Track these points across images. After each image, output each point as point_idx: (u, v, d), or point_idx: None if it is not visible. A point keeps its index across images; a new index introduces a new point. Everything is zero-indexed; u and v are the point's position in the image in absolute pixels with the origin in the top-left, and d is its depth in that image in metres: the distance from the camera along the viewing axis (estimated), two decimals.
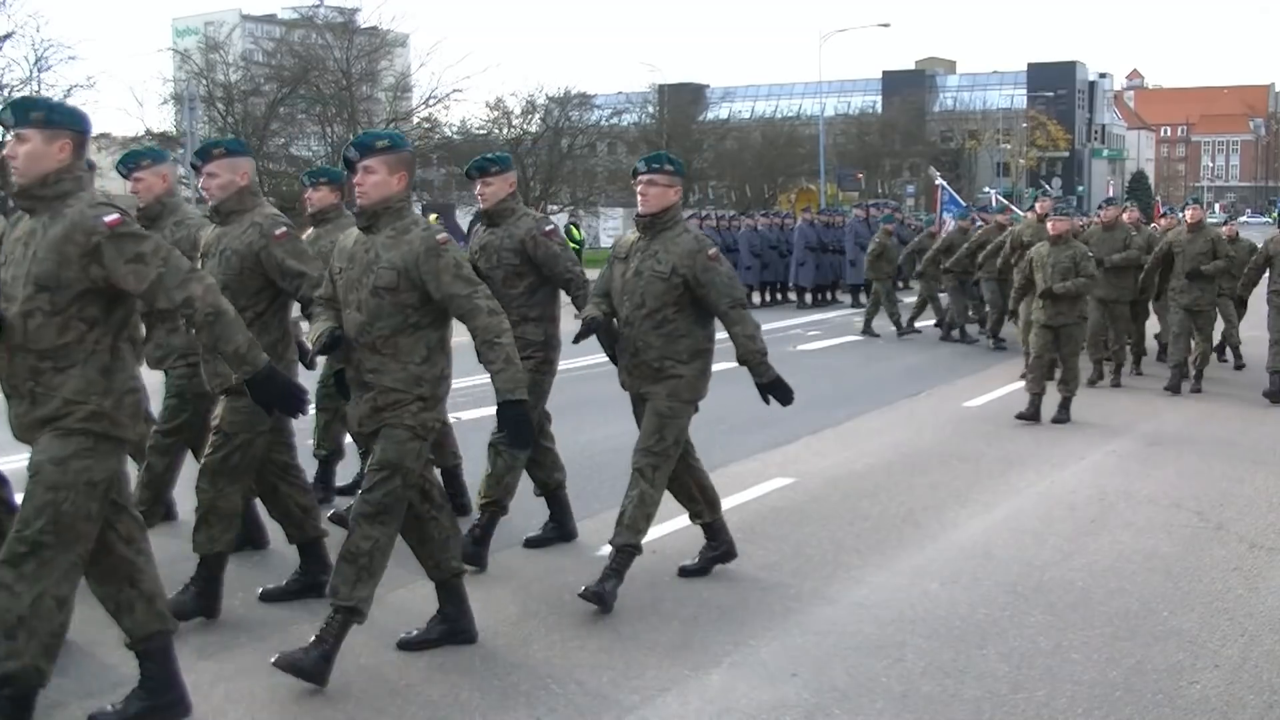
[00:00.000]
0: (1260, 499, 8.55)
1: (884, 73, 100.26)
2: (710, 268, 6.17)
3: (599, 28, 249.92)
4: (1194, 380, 13.25)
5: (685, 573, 6.67)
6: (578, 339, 6.49)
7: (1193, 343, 13.27)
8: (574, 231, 33.59)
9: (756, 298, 26.76)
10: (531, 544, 7.31)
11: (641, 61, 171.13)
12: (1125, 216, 14.65)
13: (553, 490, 7.43)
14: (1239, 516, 8.02)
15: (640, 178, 6.33)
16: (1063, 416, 11.35)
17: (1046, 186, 37.86)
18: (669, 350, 6.26)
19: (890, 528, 7.71)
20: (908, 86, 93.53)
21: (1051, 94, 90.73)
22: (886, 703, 5.01)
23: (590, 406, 11.28)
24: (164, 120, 41.22)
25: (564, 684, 5.19)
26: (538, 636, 5.75)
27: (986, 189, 44.27)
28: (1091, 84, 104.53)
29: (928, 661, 5.44)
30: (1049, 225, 12.02)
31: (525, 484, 7.28)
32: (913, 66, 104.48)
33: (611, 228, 58.32)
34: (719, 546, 6.78)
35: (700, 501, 6.72)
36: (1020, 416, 11.27)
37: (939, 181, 27.83)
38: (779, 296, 27.14)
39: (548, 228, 6.93)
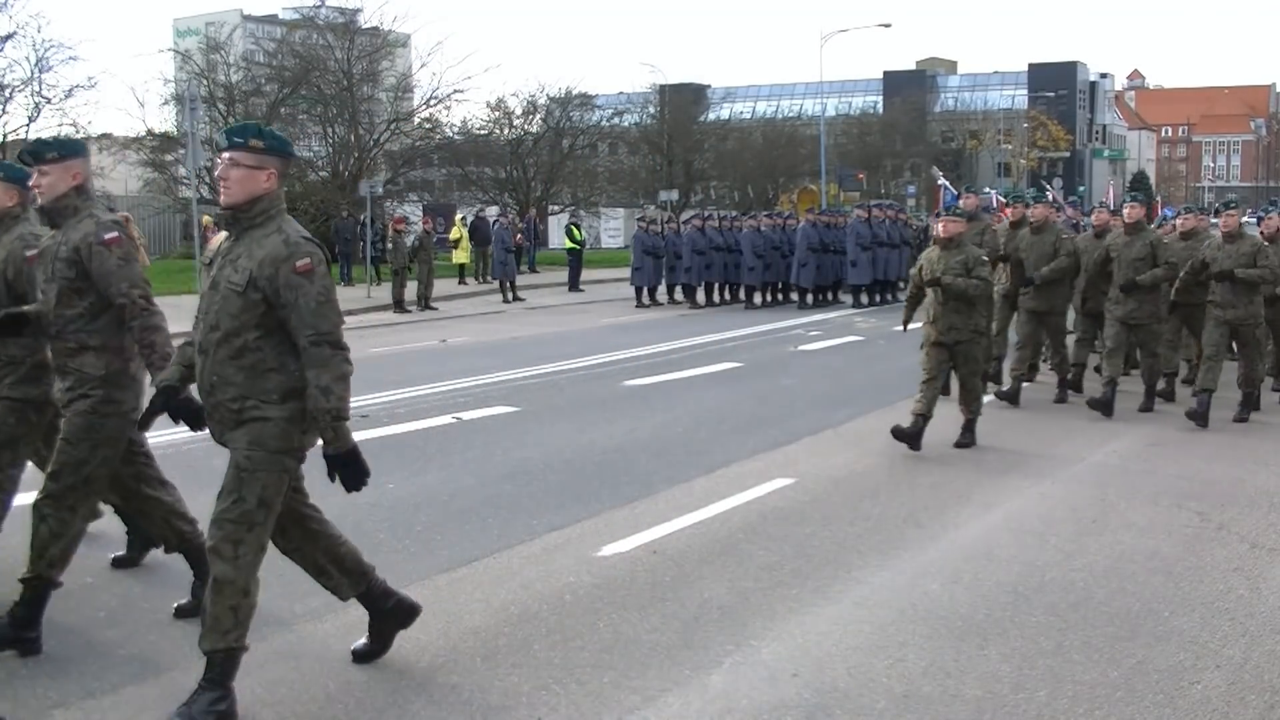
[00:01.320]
0: (1262, 499, 8.54)
1: (885, 73, 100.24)
2: (296, 283, 4.68)
3: (600, 28, 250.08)
4: (1145, 397, 11.99)
5: (357, 657, 5.45)
6: (141, 425, 5.47)
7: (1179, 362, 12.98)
8: (574, 232, 33.58)
9: (759, 298, 26.80)
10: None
11: (642, 62, 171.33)
12: (1127, 213, 12.72)
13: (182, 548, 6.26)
14: (1240, 517, 8.01)
15: (221, 157, 4.84)
16: (967, 440, 10.26)
17: (1048, 186, 37.81)
18: (251, 388, 4.79)
19: (891, 528, 7.70)
20: (909, 87, 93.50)
21: (1052, 94, 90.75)
22: (888, 703, 5.00)
23: (592, 406, 11.28)
24: (165, 121, 41.34)
25: (565, 684, 5.18)
26: (538, 637, 5.74)
27: (987, 189, 44.30)
28: (1092, 84, 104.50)
29: (929, 661, 5.44)
30: (940, 226, 10.62)
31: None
32: (914, 67, 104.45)
33: (613, 228, 58.42)
34: (382, 628, 5.49)
35: (335, 575, 5.41)
36: (898, 433, 9.93)
37: (941, 181, 27.82)
38: (780, 297, 27.18)
39: (108, 235, 5.51)
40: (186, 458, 9.93)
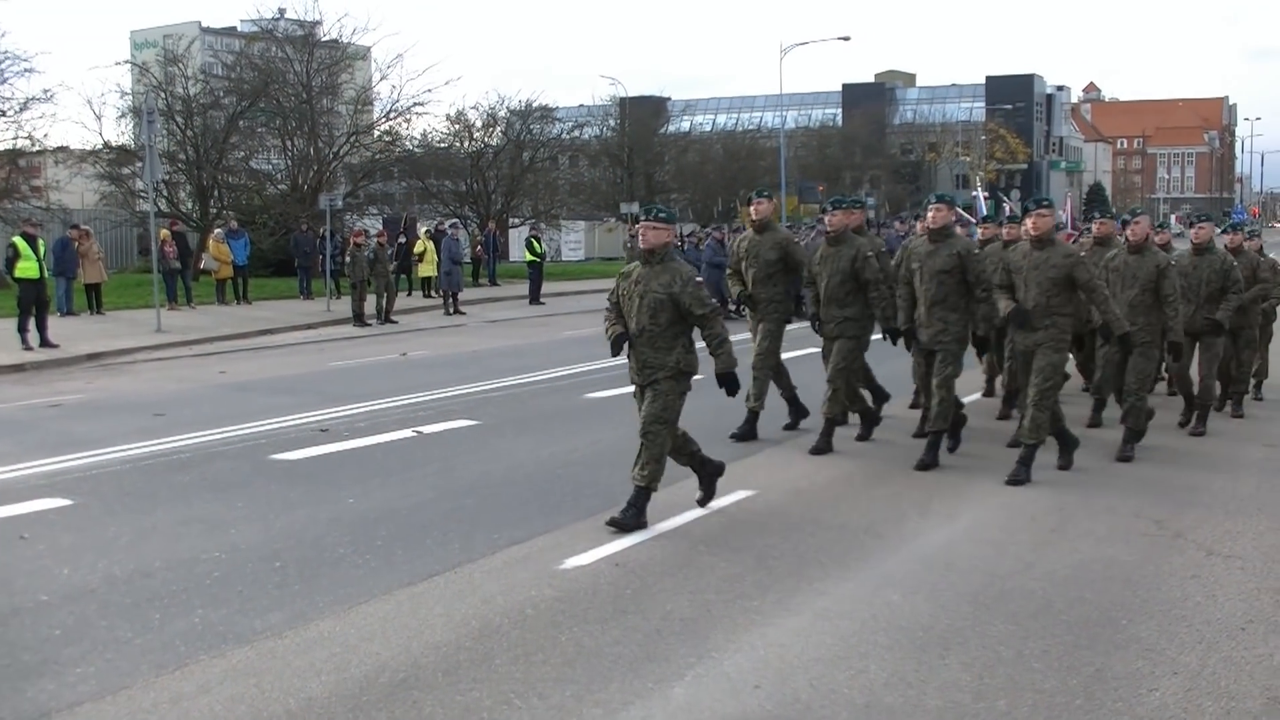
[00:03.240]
0: (1217, 507, 8.62)
1: (844, 86, 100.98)
2: None
3: (560, 42, 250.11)
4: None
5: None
6: None
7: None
8: (535, 245, 33.54)
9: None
10: None
11: (602, 75, 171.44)
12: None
13: None
14: (1196, 525, 8.09)
15: None
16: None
17: (1005, 198, 38.14)
18: None
19: (852, 539, 7.73)
20: (868, 99, 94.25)
21: (1010, 107, 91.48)
22: (850, 714, 5.01)
23: (553, 419, 11.27)
24: (122, 134, 40.98)
25: (526, 698, 5.17)
26: (500, 651, 5.72)
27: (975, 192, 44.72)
28: (1049, 97, 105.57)
29: (890, 672, 5.45)
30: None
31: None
32: (873, 79, 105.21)
33: (574, 241, 58.40)
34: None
35: None
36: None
37: (975, 193, 27.99)
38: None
39: None
40: (144, 473, 9.86)
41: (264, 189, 42.68)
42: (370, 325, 25.33)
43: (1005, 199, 36.93)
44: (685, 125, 77.77)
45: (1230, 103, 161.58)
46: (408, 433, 11.59)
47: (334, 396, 14.02)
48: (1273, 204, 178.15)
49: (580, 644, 5.81)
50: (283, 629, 6.00)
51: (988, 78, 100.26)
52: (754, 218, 11.41)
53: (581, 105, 67.64)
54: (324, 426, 11.88)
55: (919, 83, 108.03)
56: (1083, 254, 10.10)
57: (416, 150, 49.23)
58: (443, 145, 51.63)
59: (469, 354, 19.54)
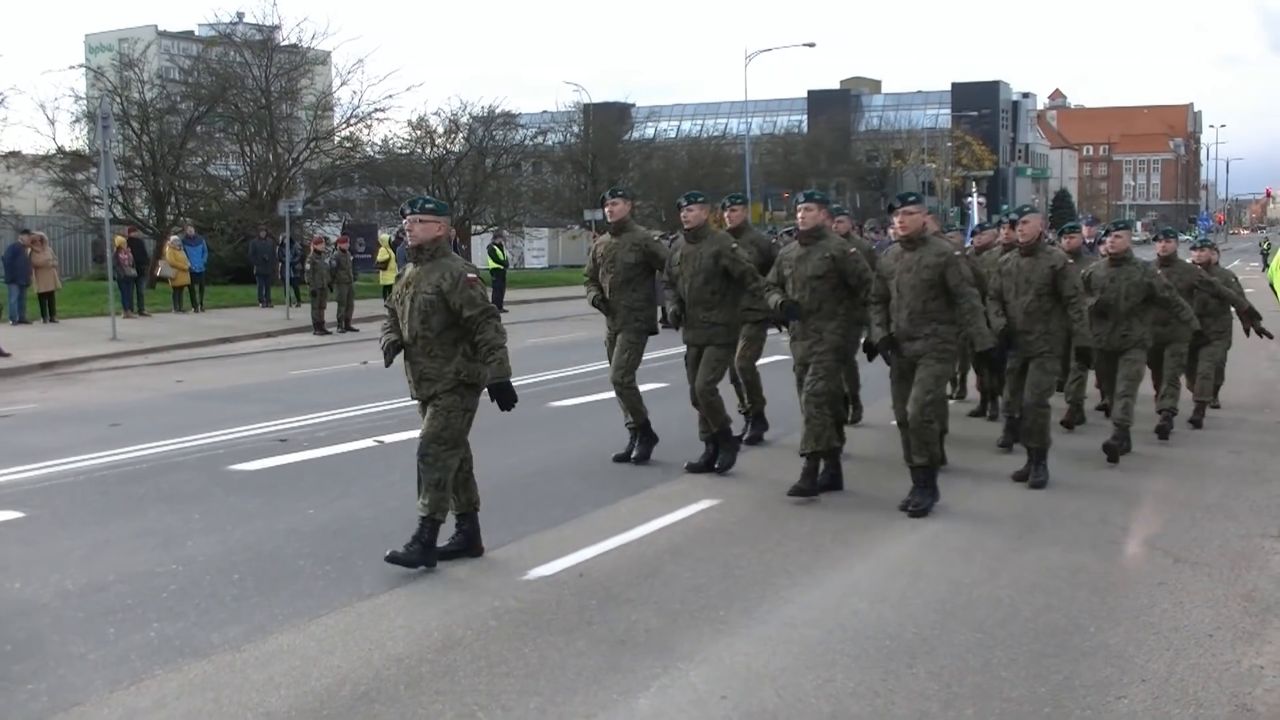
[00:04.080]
0: (1184, 514, 8.69)
1: (809, 92, 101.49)
2: None
3: (523, 48, 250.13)
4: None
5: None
6: None
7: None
8: (497, 252, 33.50)
9: None
10: None
11: (566, 81, 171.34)
12: (1065, 244, 12.31)
13: None
14: (1164, 531, 8.15)
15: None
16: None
17: (972, 202, 38.37)
18: None
19: (818, 547, 7.74)
20: (833, 106, 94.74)
21: (975, 113, 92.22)
22: None
23: (517, 428, 11.23)
24: (77, 139, 40.68)
25: (490, 711, 5.14)
26: (463, 663, 5.70)
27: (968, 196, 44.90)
28: (1015, 103, 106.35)
29: (857, 681, 5.46)
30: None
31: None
32: (838, 86, 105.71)
33: (537, 248, 58.36)
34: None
35: None
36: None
37: (970, 198, 28.11)
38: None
39: None
40: (99, 484, 9.78)
41: (222, 195, 42.44)
42: (330, 333, 25.23)
43: (970, 195, 37.15)
44: (650, 132, 77.86)
45: (1195, 110, 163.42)
46: (369, 442, 11.53)
47: (294, 405, 13.94)
48: (1237, 211, 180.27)
49: (544, 655, 5.80)
50: (241, 642, 5.96)
51: (953, 84, 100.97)
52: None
53: (545, 111, 67.67)
54: (283, 436, 11.81)
55: (884, 89, 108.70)
56: (958, 253, 9.00)
57: (377, 156, 49.07)
58: (404, 151, 51.51)
59: None
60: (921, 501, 8.59)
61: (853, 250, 9.35)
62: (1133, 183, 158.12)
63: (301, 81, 45.77)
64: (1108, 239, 11.00)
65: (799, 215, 9.43)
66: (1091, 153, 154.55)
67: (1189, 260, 12.72)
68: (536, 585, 6.93)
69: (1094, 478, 9.95)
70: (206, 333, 24.33)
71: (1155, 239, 12.83)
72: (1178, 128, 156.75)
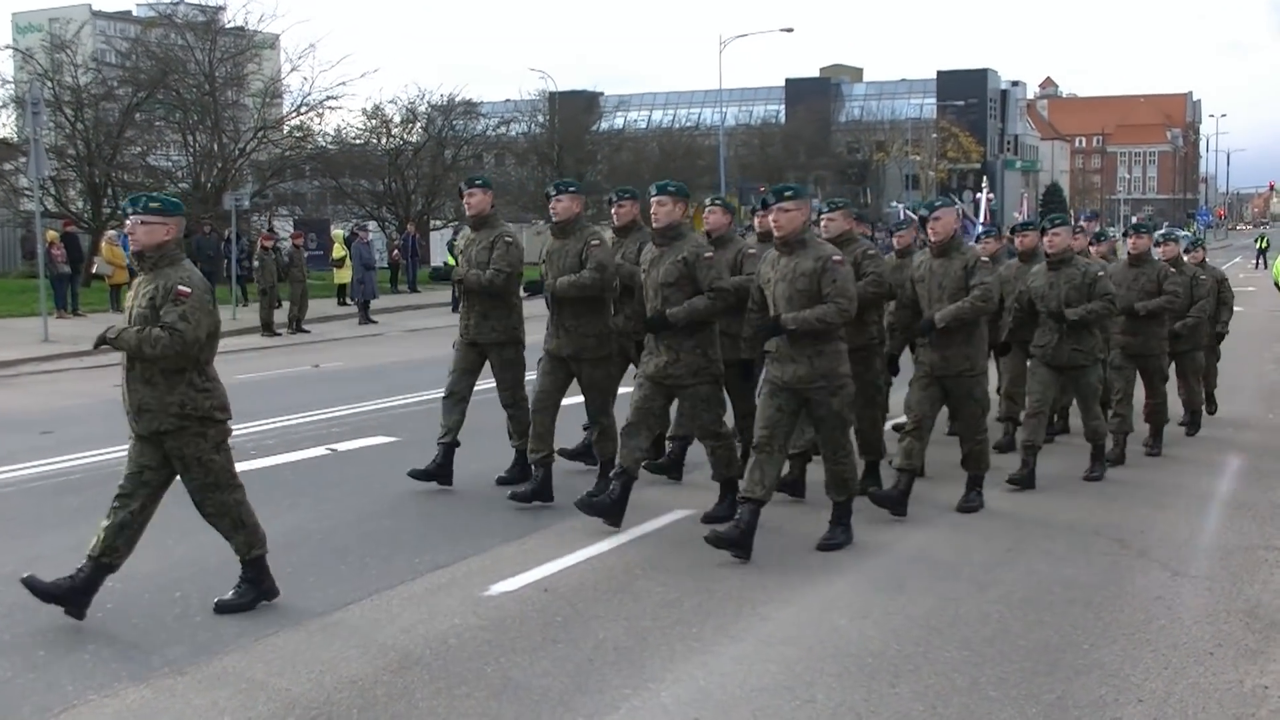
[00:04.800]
0: (1182, 525, 8.75)
1: (787, 80, 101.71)
2: None
3: (486, 33, 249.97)
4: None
5: None
6: None
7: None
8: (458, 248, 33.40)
9: None
10: None
11: (531, 68, 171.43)
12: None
13: None
14: (1160, 543, 8.20)
15: None
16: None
17: (956, 200, 38.50)
18: None
19: (798, 561, 7.75)
20: (812, 95, 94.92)
21: (962, 103, 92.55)
22: None
23: (478, 435, 11.21)
24: (4, 126, 40.43)
25: None
26: (421, 685, 5.68)
27: (894, 203, 44.90)
28: (1003, 93, 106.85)
29: (838, 701, 5.47)
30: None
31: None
32: (817, 74, 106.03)
33: None
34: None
35: None
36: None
37: (979, 195, 28.16)
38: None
39: None
40: (30, 496, 9.71)
41: (163, 187, 42.18)
42: (280, 335, 25.12)
43: (957, 200, 37.27)
44: (619, 122, 77.85)
45: (1195, 99, 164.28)
46: (321, 450, 11.50)
47: (240, 412, 13.76)
48: (1239, 205, 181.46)
49: (507, 676, 5.79)
50: (183, 664, 5.93)
51: (939, 72, 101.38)
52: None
53: (508, 100, 67.56)
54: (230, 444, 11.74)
55: (866, 78, 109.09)
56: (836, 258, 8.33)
57: (330, 147, 48.94)
58: (358, 142, 51.37)
59: (387, 365, 19.45)
60: (833, 537, 8.12)
61: (708, 254, 8.47)
62: (1128, 176, 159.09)
63: (248, 67, 45.60)
64: (1044, 238, 10.31)
65: (652, 209, 8.64)
66: (1084, 144, 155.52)
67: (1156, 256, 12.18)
68: (498, 601, 6.92)
69: (1087, 486, 10.00)
70: None
71: (1125, 235, 12.62)
72: (1176, 117, 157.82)
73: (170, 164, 44.21)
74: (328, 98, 45.15)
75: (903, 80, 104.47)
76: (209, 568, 7.56)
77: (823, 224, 9.29)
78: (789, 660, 5.99)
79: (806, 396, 7.84)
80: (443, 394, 9.87)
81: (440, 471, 9.73)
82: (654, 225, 8.61)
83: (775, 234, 8.02)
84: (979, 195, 29.48)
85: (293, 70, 66.49)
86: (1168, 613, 6.75)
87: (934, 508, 9.12)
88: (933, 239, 9.14)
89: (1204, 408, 12.96)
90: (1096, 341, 10.19)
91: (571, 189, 9.42)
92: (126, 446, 6.67)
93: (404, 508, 9.18)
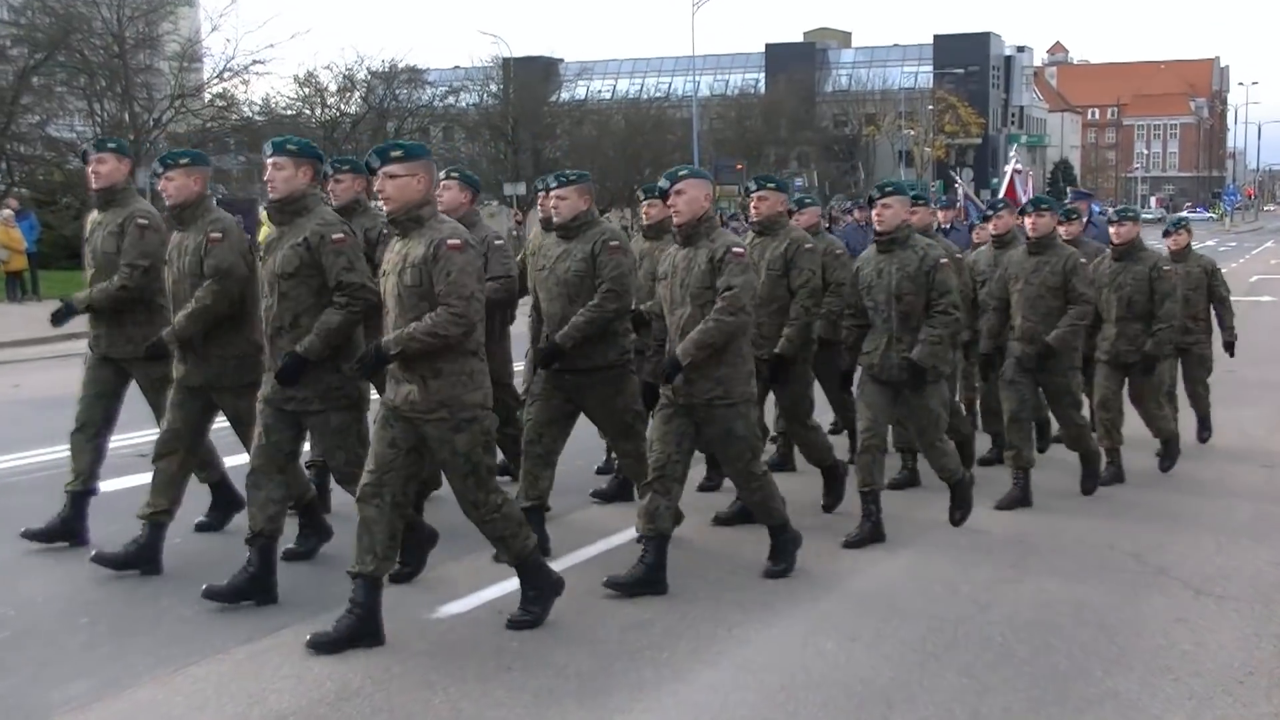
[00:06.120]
0: (1206, 539, 8.79)
1: (767, 46, 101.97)
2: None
3: None
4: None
5: None
6: None
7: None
8: None
9: None
10: None
11: (482, 31, 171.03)
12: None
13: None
14: (1182, 559, 8.24)
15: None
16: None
17: (957, 178, 38.54)
18: None
19: (779, 576, 7.76)
20: (795, 62, 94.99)
21: (961, 71, 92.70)
22: None
23: None
24: None
25: None
26: (360, 718, 5.68)
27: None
28: (1008, 59, 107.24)
29: None
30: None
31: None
32: (801, 39, 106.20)
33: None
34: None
35: None
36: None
37: (958, 185, 28.23)
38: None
39: None
40: None
41: (66, 162, 41.89)
42: None
43: (957, 179, 37.34)
44: (580, 92, 77.77)
45: (1222, 65, 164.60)
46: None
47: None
48: (1270, 184, 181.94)
49: (457, 708, 5.79)
50: (89, 700, 5.90)
51: (935, 37, 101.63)
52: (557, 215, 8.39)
53: (457, 67, 67.39)
54: (145, 451, 11.67)
55: (855, 43, 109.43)
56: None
57: (257, 118, 48.77)
58: (289, 112, 51.23)
59: None
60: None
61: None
62: (1146, 151, 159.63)
63: (162, 26, 45.24)
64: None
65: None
66: (1098, 116, 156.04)
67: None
68: (447, 624, 6.93)
69: (1099, 496, 10.04)
70: (48, 327, 23.96)
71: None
72: (1200, 86, 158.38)
73: (74, 135, 43.85)
74: (253, 62, 44.86)
75: (895, 46, 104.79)
76: (119, 590, 7.54)
77: (551, 201, 8.49)
78: (769, 688, 6.01)
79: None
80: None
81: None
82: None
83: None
84: (958, 183, 29.62)
85: (214, 30, 66.13)
86: (1191, 636, 6.79)
87: (929, 521, 9.14)
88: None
89: (1198, 435, 12.11)
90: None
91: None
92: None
93: (341, 521, 9.08)
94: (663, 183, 7.62)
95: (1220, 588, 7.64)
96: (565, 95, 74.53)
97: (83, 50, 41.80)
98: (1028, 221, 9.80)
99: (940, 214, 13.21)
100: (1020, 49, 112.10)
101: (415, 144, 6.93)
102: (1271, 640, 6.74)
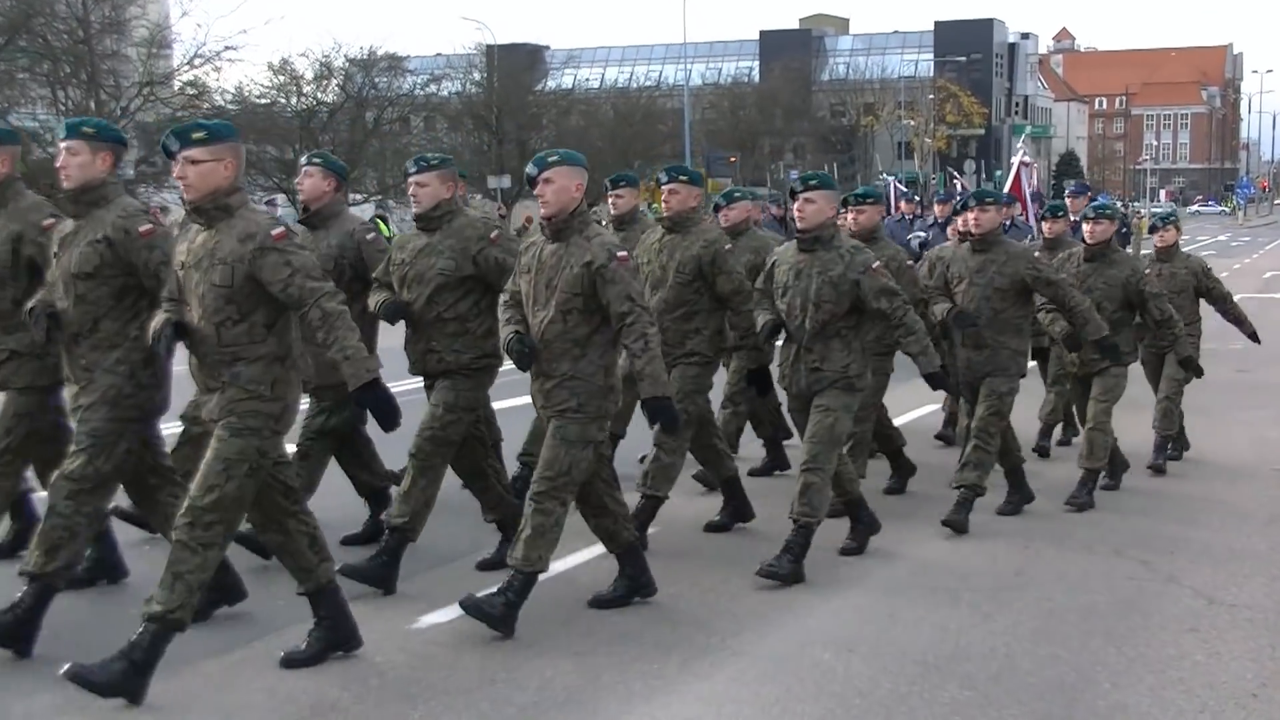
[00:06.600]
0: (1217, 544, 8.80)
1: (762, 33, 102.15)
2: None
3: None
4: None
5: None
6: None
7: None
8: (382, 225, 33.30)
9: None
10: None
11: (465, 17, 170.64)
12: (1048, 228, 11.21)
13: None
14: (1192, 566, 8.25)
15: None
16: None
17: (955, 174, 38.54)
18: None
19: (773, 586, 7.75)
20: (790, 49, 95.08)
21: (964, 59, 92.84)
22: None
23: (400, 443, 11.17)
24: None
25: None
26: None
27: (885, 175, 44.96)
28: (1012, 46, 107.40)
29: None
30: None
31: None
32: (796, 25, 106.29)
33: None
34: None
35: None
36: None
37: (958, 180, 28.34)
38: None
39: None
40: None
41: (28, 152, 41.76)
42: None
43: (956, 174, 37.38)
44: (567, 80, 77.77)
45: (1235, 52, 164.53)
46: None
47: None
48: None
49: None
50: (53, 715, 5.88)
51: (937, 23, 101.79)
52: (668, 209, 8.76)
53: (439, 55, 67.35)
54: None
55: (853, 29, 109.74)
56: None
57: (230, 107, 48.56)
58: (263, 101, 51.06)
59: None
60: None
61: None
62: (1155, 142, 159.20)
63: (130, 10, 45.12)
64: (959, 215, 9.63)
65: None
66: (1105, 106, 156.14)
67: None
68: (429, 634, 6.92)
69: (1106, 500, 10.05)
70: None
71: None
72: (1212, 74, 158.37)
73: (37, 124, 43.64)
74: (226, 48, 44.67)
75: (895, 32, 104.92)
76: (80, 601, 7.50)
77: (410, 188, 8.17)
78: (764, 701, 6.00)
79: None
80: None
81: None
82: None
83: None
84: (955, 179, 29.66)
85: (184, 15, 66.13)
86: (1203, 647, 6.79)
87: (929, 525, 9.14)
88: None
89: (1168, 448, 11.32)
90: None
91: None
92: None
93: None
94: (530, 169, 7.14)
95: (1232, 595, 7.65)
96: (551, 84, 74.49)
97: (45, 35, 41.63)
98: (970, 217, 9.27)
99: (937, 208, 13.30)
100: (1025, 36, 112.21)
101: (220, 123, 6.47)
102: None
